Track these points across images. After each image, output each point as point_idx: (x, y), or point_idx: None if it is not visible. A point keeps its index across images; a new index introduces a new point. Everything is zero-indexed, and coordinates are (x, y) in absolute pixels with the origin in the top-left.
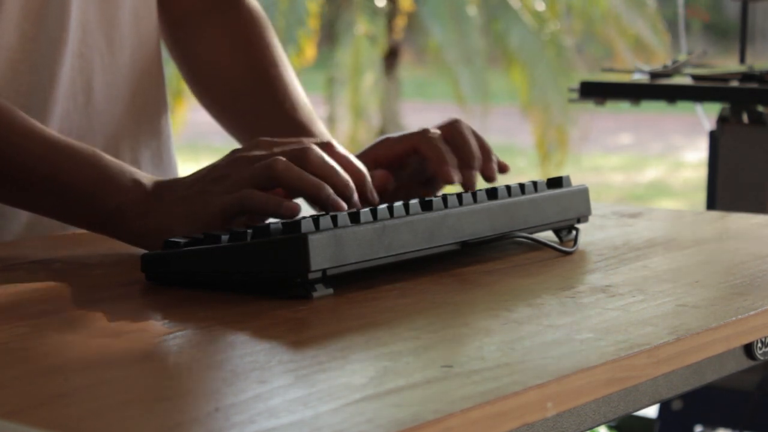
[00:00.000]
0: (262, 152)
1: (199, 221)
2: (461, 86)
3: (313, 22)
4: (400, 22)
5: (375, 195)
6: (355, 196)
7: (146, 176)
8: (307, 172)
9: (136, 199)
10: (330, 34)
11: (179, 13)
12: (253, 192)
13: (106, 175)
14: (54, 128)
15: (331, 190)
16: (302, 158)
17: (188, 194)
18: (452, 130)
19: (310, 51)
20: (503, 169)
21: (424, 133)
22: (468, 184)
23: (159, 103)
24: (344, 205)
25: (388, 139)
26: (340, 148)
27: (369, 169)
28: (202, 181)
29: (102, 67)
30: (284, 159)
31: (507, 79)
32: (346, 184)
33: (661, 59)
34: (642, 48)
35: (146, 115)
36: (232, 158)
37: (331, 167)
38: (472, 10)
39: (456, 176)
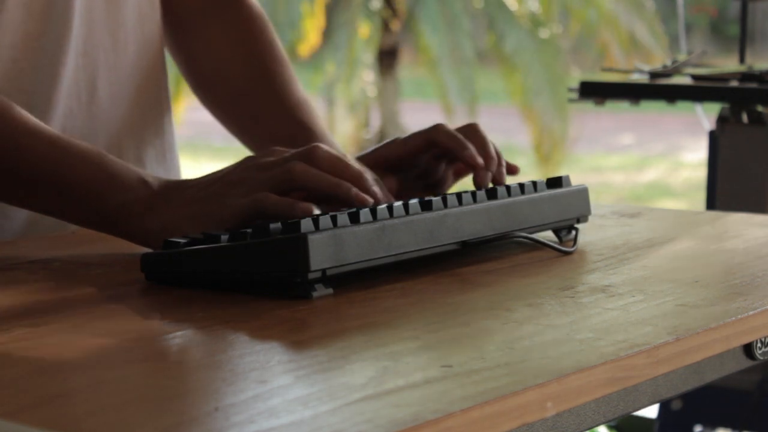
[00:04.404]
0: (275, 158)
1: (213, 222)
2: (448, 89)
3: (317, 13)
4: (396, 23)
5: (380, 193)
6: (375, 188)
7: (152, 176)
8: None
9: (140, 198)
10: (327, 34)
11: (179, 12)
12: (266, 195)
13: (111, 173)
14: (57, 126)
15: (352, 186)
16: (312, 157)
17: (201, 196)
18: (471, 132)
19: (315, 39)
20: (513, 171)
21: (439, 126)
22: (483, 184)
23: (162, 102)
24: (369, 200)
25: (397, 139)
26: (339, 150)
27: (377, 169)
28: (217, 184)
29: (106, 66)
30: (301, 162)
31: (507, 80)
32: (357, 174)
33: (658, 61)
34: (639, 50)
35: (150, 113)
36: (246, 164)
37: (342, 161)
38: (464, 14)
39: (479, 159)
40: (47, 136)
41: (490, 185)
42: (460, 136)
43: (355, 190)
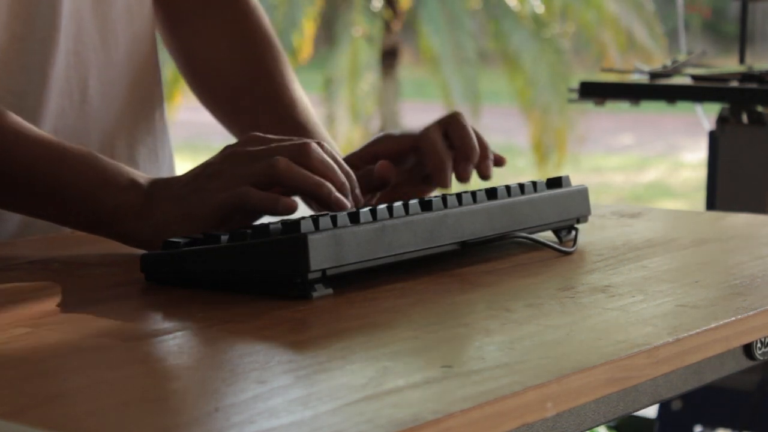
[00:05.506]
0: (258, 148)
1: (196, 220)
2: (451, 89)
3: (309, 23)
4: (398, 24)
5: (361, 197)
6: (357, 192)
7: (143, 176)
8: (307, 170)
9: (133, 200)
10: (328, 35)
11: (177, 9)
12: (249, 189)
13: (104, 175)
14: (49, 126)
15: (333, 188)
16: (302, 156)
17: (183, 193)
18: (453, 123)
19: (307, 51)
20: (500, 162)
21: (427, 133)
22: (464, 177)
23: (155, 99)
24: (347, 203)
25: (388, 135)
26: (329, 147)
27: (369, 164)
28: (196, 179)
29: (97, 65)
30: (285, 158)
31: (508, 80)
32: (343, 183)
33: (658, 62)
34: (638, 51)
35: (142, 111)
36: (225, 154)
37: (331, 165)
38: (465, 13)
39: (449, 183)
40: (39, 140)
41: (482, 182)
42: (443, 153)
43: (336, 193)
